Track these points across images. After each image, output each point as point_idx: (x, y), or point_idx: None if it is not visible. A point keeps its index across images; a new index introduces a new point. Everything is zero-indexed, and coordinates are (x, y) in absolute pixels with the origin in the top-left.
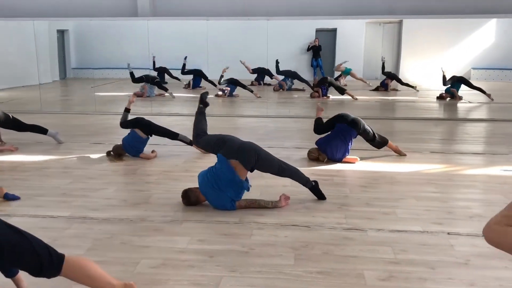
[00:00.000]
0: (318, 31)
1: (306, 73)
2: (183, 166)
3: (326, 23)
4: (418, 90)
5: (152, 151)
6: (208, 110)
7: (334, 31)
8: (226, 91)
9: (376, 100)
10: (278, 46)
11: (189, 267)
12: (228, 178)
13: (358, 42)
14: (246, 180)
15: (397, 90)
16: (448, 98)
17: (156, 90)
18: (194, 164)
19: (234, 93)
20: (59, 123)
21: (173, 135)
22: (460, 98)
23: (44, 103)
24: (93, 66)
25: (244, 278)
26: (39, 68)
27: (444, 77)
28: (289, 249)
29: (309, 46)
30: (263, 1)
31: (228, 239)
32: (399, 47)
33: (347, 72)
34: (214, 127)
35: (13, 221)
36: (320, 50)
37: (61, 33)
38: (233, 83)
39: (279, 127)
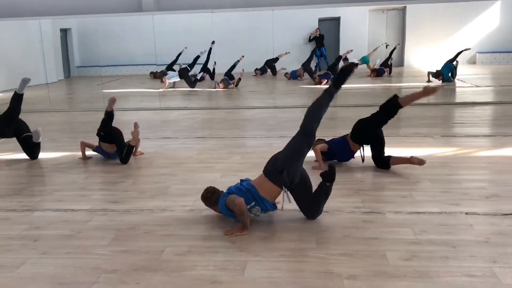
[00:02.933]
0: (321, 20)
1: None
2: (197, 157)
3: (329, 11)
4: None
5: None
6: (215, 103)
7: (337, 19)
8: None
9: (382, 87)
10: (282, 37)
11: (214, 253)
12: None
13: (361, 30)
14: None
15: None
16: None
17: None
18: (208, 156)
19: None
20: (68, 120)
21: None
22: (450, 80)
23: (52, 102)
24: (97, 64)
25: (269, 262)
26: (45, 67)
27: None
28: (310, 233)
29: (310, 36)
30: None
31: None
32: (403, 34)
33: (366, 61)
34: (224, 119)
35: (36, 216)
36: (323, 39)
37: (64, 32)
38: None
39: (288, 117)
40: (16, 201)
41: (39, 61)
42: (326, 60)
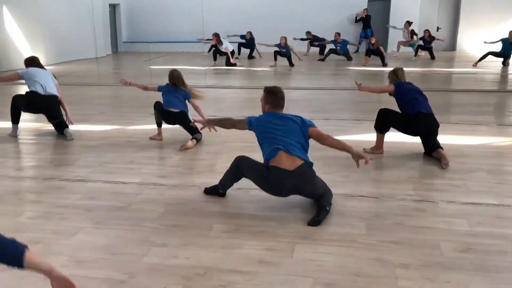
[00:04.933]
0: (370, 1)
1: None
2: (241, 137)
3: None
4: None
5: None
6: (258, 83)
7: (388, 1)
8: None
9: (433, 71)
10: (330, 17)
11: (261, 233)
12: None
13: (412, 12)
14: None
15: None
16: None
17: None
18: (252, 136)
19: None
20: (116, 95)
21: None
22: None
23: (101, 76)
24: (144, 39)
25: (317, 245)
26: (96, 42)
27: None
28: (359, 219)
29: (356, 17)
30: None
31: (296, 208)
32: (456, 17)
33: (413, 46)
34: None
35: (88, 186)
36: (370, 20)
37: (113, 7)
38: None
39: (333, 99)
40: (69, 171)
41: (89, 35)
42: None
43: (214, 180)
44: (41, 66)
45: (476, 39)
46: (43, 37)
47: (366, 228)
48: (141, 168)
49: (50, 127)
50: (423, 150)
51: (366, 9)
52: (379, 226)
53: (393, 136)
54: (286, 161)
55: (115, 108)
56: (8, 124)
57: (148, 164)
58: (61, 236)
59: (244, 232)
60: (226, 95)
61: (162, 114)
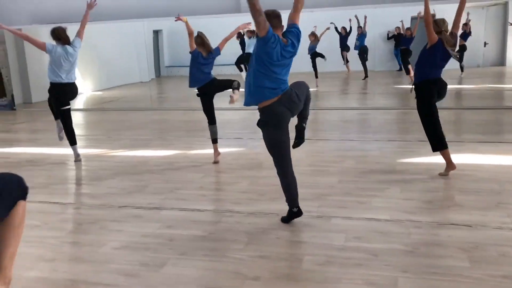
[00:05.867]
0: (414, 18)
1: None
2: (307, 160)
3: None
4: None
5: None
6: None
7: (433, 16)
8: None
9: (487, 88)
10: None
11: (356, 265)
12: None
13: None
14: None
15: None
16: None
17: None
18: (318, 158)
19: None
20: (169, 119)
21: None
22: None
23: (151, 101)
24: (185, 64)
25: (421, 279)
26: (140, 67)
27: None
28: (458, 249)
29: (388, 34)
30: None
31: (386, 237)
32: (504, 31)
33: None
34: (323, 119)
35: (164, 214)
36: (403, 38)
37: (156, 33)
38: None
39: (389, 119)
40: (141, 198)
41: (134, 61)
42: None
43: (288, 206)
44: (67, 41)
45: None
46: (92, 64)
47: (469, 261)
48: (212, 195)
49: (114, 152)
50: (504, 173)
51: (398, 27)
52: (483, 258)
53: (466, 159)
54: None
55: (170, 132)
56: (64, 151)
57: (218, 190)
58: (151, 268)
59: (336, 264)
60: None
61: (201, 96)
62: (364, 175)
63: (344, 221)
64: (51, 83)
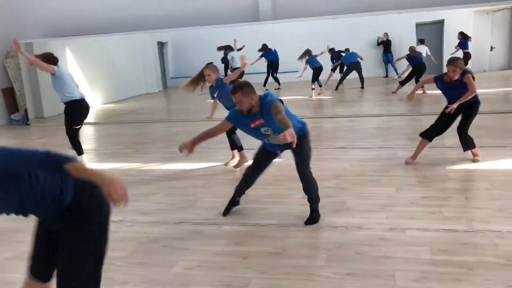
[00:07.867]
0: (419, 25)
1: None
2: (353, 170)
3: (429, 15)
4: None
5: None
6: (331, 111)
7: (441, 22)
8: None
9: (495, 92)
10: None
11: (455, 281)
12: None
13: (466, 33)
14: None
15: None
16: None
17: None
18: (364, 168)
19: None
20: (196, 131)
21: None
22: None
23: (164, 112)
24: (190, 74)
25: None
26: (146, 78)
27: None
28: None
29: (378, 40)
30: None
31: (473, 249)
32: (510, 36)
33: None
34: (351, 127)
35: (227, 230)
36: (390, 45)
37: (161, 45)
38: None
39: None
40: (195, 213)
41: (140, 73)
42: (393, 67)
43: (356, 219)
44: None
45: None
46: (101, 76)
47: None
48: (270, 208)
49: (149, 166)
50: None
51: (386, 33)
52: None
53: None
54: None
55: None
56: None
57: (275, 204)
58: None
59: (435, 280)
60: None
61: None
62: (421, 184)
63: (420, 232)
64: (68, 102)
